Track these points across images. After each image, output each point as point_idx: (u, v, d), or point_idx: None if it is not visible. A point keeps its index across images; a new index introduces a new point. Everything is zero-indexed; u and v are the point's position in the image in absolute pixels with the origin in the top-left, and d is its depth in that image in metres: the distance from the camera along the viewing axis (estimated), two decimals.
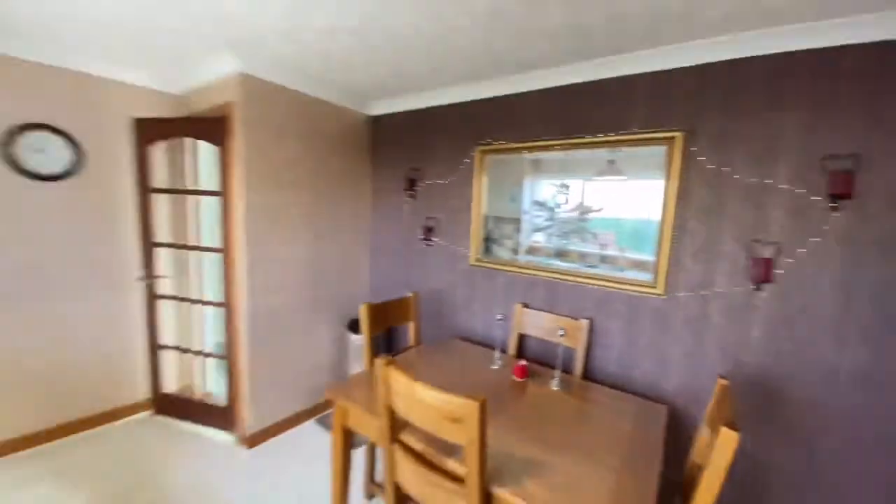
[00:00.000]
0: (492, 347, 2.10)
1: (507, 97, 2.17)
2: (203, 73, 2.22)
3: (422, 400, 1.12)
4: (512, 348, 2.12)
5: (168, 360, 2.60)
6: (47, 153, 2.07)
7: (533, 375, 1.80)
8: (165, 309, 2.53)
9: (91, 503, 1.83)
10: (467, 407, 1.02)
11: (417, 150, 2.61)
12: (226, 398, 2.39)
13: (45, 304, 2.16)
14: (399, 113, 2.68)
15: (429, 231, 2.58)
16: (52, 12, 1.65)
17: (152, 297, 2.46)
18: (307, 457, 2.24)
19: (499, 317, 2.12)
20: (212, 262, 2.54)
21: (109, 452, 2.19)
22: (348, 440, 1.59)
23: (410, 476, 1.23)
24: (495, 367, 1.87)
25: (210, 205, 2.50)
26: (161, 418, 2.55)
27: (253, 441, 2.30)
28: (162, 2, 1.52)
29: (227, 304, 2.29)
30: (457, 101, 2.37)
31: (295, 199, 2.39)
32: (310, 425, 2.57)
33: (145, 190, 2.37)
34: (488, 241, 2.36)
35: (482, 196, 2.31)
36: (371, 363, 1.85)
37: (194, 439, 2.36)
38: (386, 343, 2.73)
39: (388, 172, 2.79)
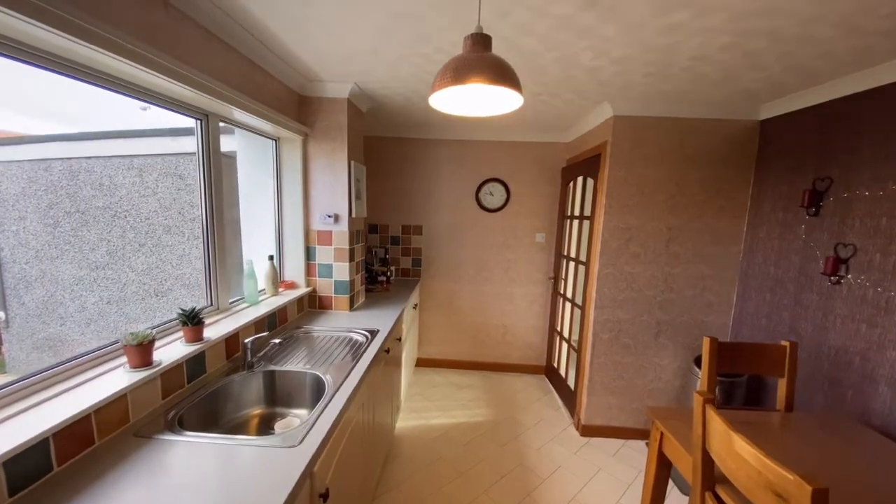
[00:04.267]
0: None
1: None
2: (586, 123, 2.80)
3: (739, 454, 1.02)
4: None
5: (555, 340, 3.48)
6: (494, 195, 3.38)
7: None
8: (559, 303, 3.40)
9: (483, 407, 2.99)
10: (796, 487, 0.85)
11: (826, 155, 1.97)
12: (573, 385, 2.90)
13: (487, 286, 3.56)
14: (796, 112, 2.13)
15: (838, 263, 1.89)
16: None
17: (555, 293, 3.41)
18: (626, 468, 2.38)
19: None
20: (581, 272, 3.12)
21: (506, 387, 3.38)
22: (664, 465, 1.59)
23: None
24: None
25: (584, 226, 3.08)
26: (546, 381, 3.53)
27: (585, 430, 2.68)
28: (561, 84, 2.13)
29: (582, 308, 2.79)
30: None
31: (651, 220, 2.49)
32: (639, 445, 2.62)
33: (563, 216, 3.30)
34: None
35: None
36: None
37: (553, 404, 3.14)
38: (748, 392, 2.28)
39: (776, 185, 2.27)
